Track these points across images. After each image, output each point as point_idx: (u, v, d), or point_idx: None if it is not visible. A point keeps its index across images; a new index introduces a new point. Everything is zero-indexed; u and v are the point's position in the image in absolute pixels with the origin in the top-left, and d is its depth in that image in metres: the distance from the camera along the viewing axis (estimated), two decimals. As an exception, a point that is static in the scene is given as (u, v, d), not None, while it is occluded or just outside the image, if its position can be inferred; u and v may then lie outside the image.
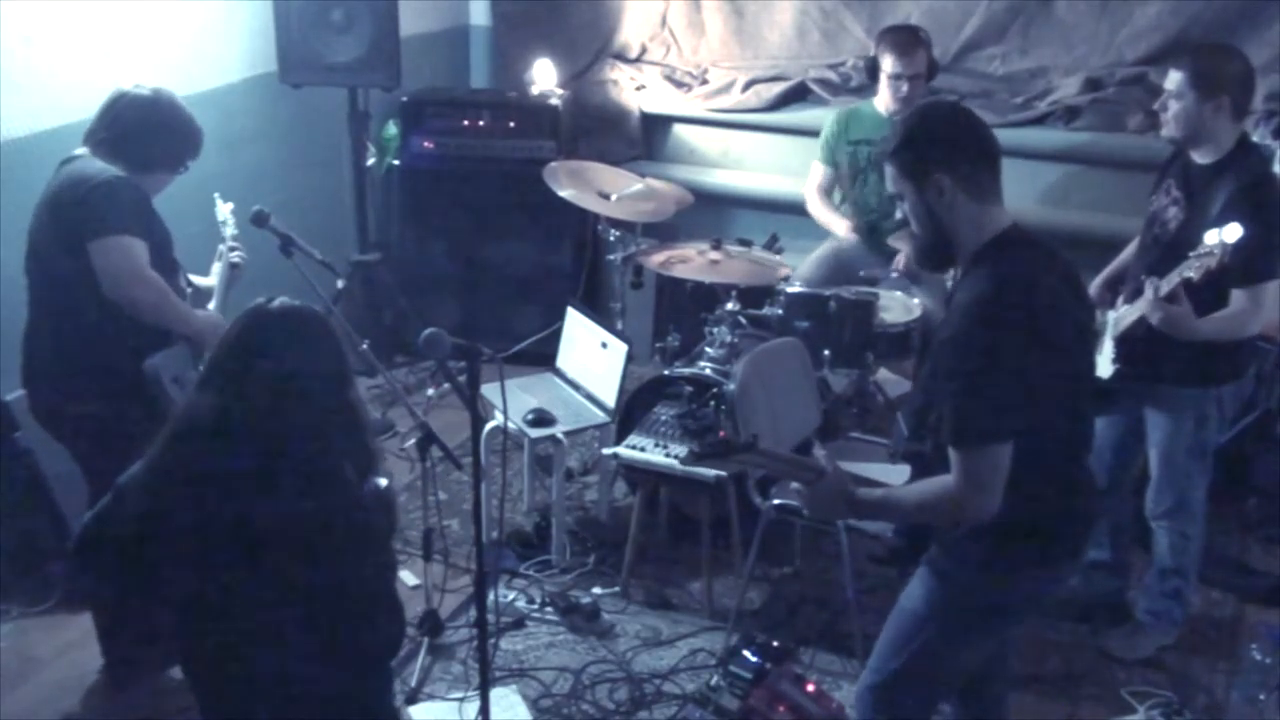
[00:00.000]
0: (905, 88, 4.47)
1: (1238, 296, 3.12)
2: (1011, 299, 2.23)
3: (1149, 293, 3.10)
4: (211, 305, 3.32)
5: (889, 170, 2.40)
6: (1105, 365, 3.28)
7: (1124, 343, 3.26)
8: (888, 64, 4.48)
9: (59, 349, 3.14)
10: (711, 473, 3.56)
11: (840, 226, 4.62)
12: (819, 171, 4.75)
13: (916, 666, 2.47)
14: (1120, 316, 3.29)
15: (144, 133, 3.12)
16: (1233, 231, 2.89)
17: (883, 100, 4.60)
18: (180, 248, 3.27)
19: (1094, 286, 3.54)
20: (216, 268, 3.43)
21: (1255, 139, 3.80)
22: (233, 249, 3.42)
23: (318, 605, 2.24)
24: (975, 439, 2.23)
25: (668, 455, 3.68)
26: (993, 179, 2.34)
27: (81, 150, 3.14)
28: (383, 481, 2.41)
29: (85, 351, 3.10)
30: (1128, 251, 3.55)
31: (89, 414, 3.10)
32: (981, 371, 2.21)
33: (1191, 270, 2.96)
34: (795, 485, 2.48)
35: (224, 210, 3.49)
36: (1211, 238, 2.93)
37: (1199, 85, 3.12)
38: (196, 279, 3.38)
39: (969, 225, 2.32)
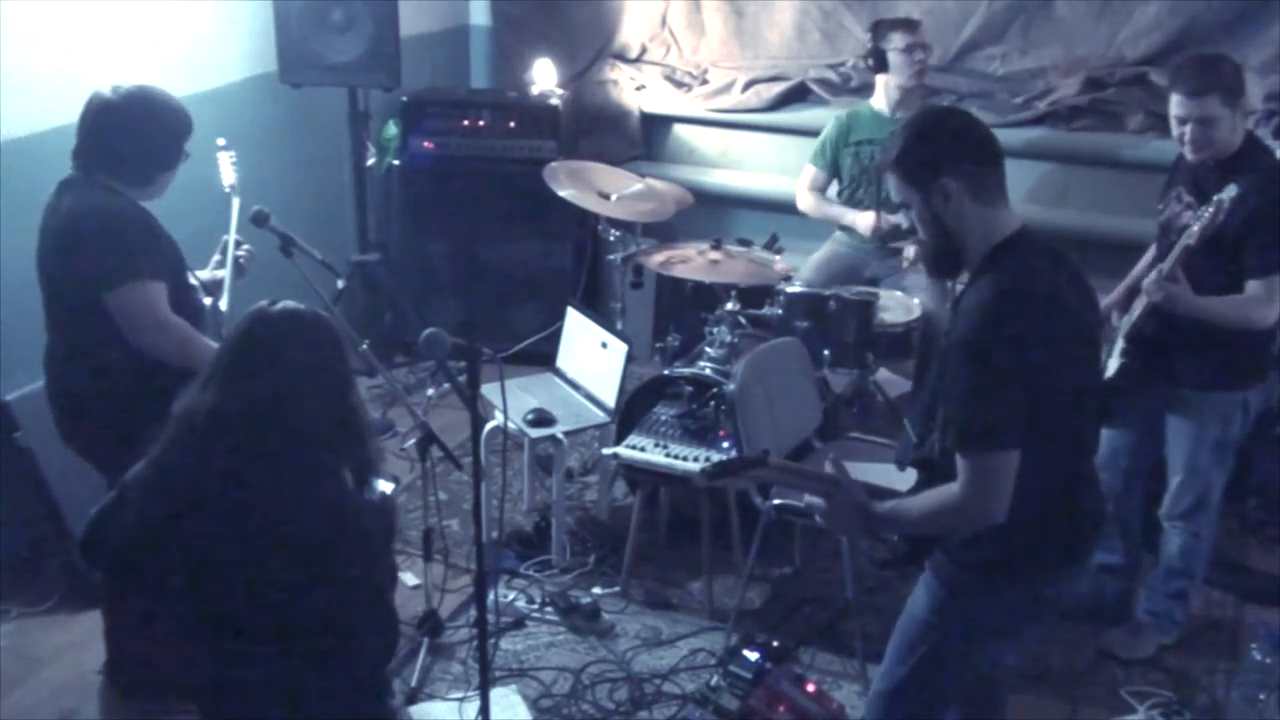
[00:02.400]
0: (920, 56, 4.49)
1: (1253, 287, 3.11)
2: (1019, 305, 2.22)
3: (1152, 274, 3.10)
4: (222, 304, 3.31)
5: (891, 179, 2.36)
6: (1113, 363, 3.28)
7: (1134, 339, 3.26)
8: (897, 39, 4.49)
9: (81, 386, 3.09)
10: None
11: (862, 219, 4.52)
12: (810, 173, 4.73)
13: (924, 673, 2.47)
14: (1131, 311, 3.29)
15: (132, 145, 3.02)
16: (1229, 190, 2.89)
17: (881, 98, 4.61)
18: (181, 244, 3.24)
19: (1115, 292, 3.52)
20: (216, 259, 3.41)
21: (1259, 137, 3.80)
22: (239, 243, 3.40)
23: (311, 608, 2.24)
24: (982, 445, 2.22)
25: (668, 455, 3.68)
26: (997, 180, 2.32)
27: (75, 174, 3.04)
28: (387, 487, 2.41)
29: (110, 392, 3.04)
30: (1145, 259, 3.54)
31: (115, 448, 3.06)
32: (989, 377, 2.20)
33: (1192, 238, 2.96)
34: (809, 499, 2.47)
35: (227, 166, 3.47)
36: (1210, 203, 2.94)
37: (1231, 101, 3.10)
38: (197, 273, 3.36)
39: (977, 229, 2.30)
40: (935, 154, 2.29)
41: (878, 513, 2.40)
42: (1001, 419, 2.20)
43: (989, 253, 2.30)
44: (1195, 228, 2.97)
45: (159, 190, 3.14)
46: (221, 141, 3.55)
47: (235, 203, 3.49)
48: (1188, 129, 3.15)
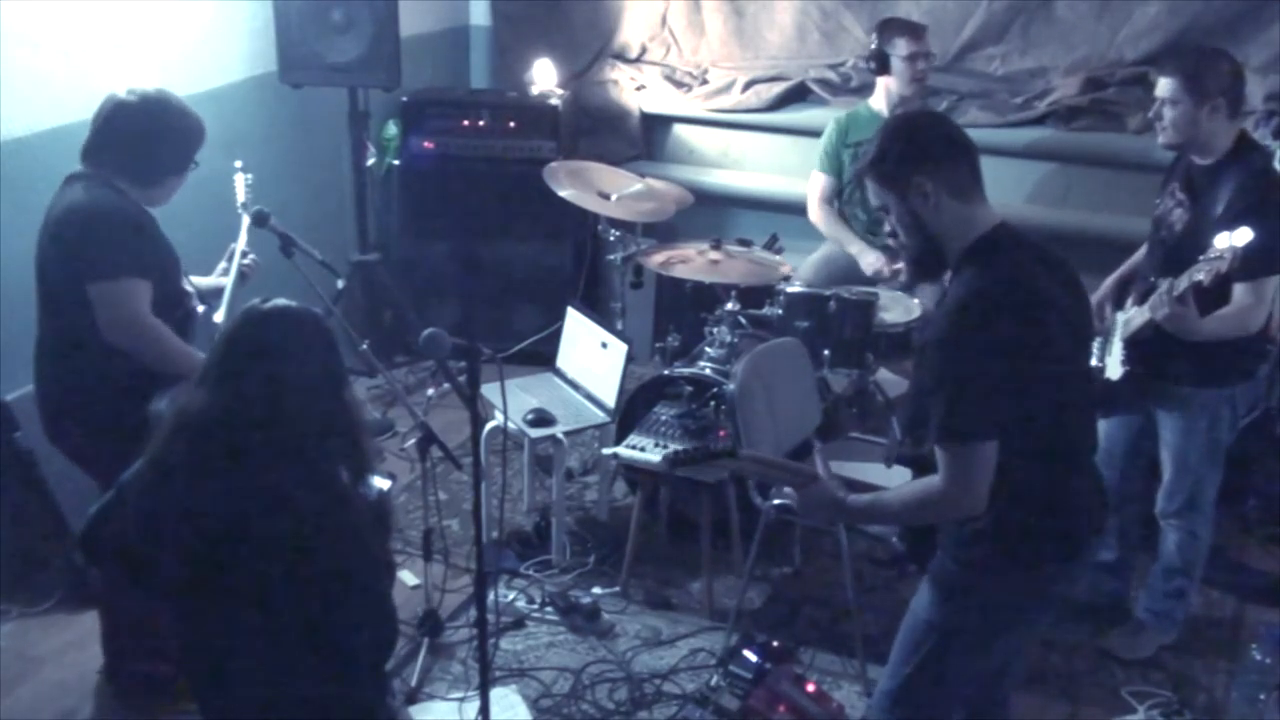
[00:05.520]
0: (922, 65, 4.50)
1: (1239, 291, 3.11)
2: (995, 298, 2.24)
3: (1158, 293, 3.09)
4: (218, 316, 3.30)
5: (870, 184, 2.41)
6: (1115, 367, 3.29)
7: (1133, 345, 3.26)
8: (902, 46, 4.48)
9: (64, 381, 3.09)
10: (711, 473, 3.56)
11: (870, 259, 4.53)
12: (820, 181, 4.72)
13: (927, 672, 2.47)
14: (1129, 318, 3.29)
15: (143, 144, 3.03)
16: (1243, 235, 2.87)
17: (881, 99, 4.61)
18: (182, 249, 3.24)
19: (1106, 284, 3.54)
20: (223, 266, 3.41)
21: (1254, 138, 3.80)
22: (245, 254, 3.40)
23: (305, 606, 2.24)
24: (960, 437, 2.24)
25: (668, 455, 3.68)
26: (972, 178, 2.35)
27: (83, 169, 3.05)
28: (384, 484, 2.40)
29: (90, 388, 3.04)
30: (1139, 254, 3.54)
31: (94, 446, 3.05)
32: (965, 370, 2.23)
33: (1201, 274, 2.94)
34: (788, 490, 2.50)
35: (242, 186, 3.49)
36: (1221, 241, 2.90)
37: (1194, 91, 3.11)
38: (198, 280, 3.36)
39: (955, 226, 2.33)
40: (908, 154, 2.33)
41: (853, 505, 2.44)
42: (978, 413, 2.22)
43: (967, 249, 2.32)
44: (1207, 268, 2.94)
45: (165, 196, 3.14)
46: (239, 164, 3.56)
47: (245, 220, 3.50)
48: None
